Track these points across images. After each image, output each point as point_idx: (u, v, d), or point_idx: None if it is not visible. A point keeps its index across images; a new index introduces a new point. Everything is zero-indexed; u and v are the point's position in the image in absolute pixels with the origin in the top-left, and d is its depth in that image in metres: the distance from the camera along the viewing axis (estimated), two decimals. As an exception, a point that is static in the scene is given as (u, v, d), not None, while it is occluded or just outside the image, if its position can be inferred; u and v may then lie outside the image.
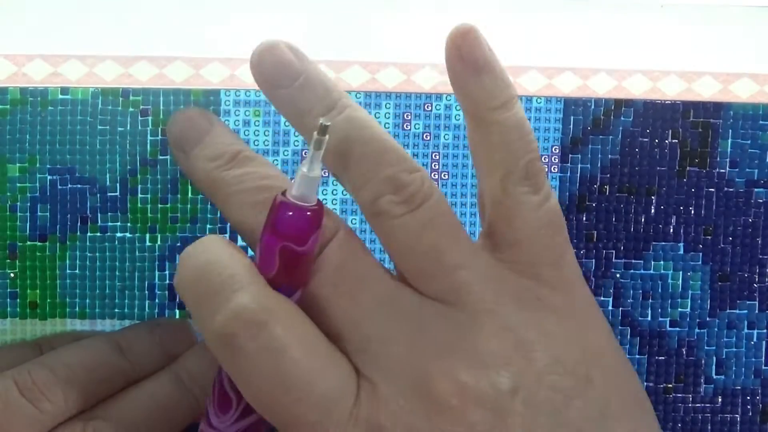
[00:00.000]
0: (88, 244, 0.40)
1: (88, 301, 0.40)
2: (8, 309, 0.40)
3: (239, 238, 0.39)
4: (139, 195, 0.40)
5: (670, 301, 0.42)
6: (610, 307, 0.42)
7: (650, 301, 0.42)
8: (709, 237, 0.42)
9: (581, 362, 0.29)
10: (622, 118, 0.41)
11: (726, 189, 0.42)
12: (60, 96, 0.39)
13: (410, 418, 0.28)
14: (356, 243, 0.31)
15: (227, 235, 0.40)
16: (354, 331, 0.29)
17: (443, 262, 0.30)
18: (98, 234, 0.40)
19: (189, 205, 0.40)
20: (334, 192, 0.41)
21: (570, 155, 0.41)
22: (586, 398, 0.29)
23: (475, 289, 0.30)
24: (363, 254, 0.31)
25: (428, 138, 0.41)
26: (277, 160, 0.40)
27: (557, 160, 0.41)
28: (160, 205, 0.40)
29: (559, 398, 0.28)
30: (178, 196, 0.40)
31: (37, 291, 0.40)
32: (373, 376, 0.29)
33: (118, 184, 0.40)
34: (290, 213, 0.29)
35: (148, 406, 0.35)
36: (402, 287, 0.30)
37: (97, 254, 0.40)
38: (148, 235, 0.40)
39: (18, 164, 0.40)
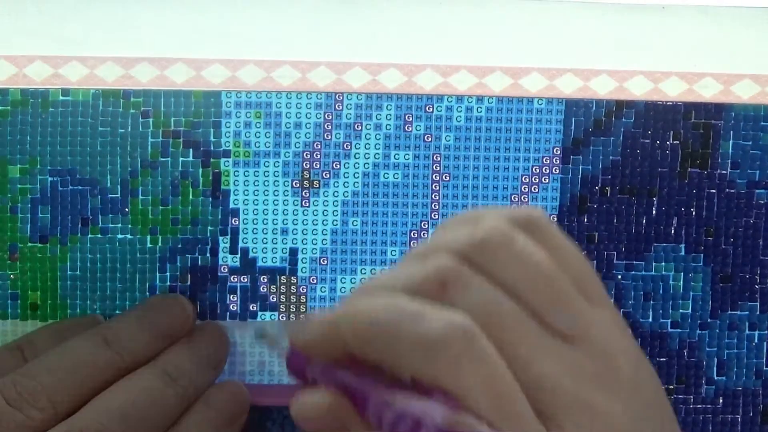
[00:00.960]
0: (88, 245, 0.40)
1: (88, 302, 0.40)
2: (9, 310, 0.40)
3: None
4: (140, 196, 0.40)
5: (671, 303, 0.42)
6: (611, 309, 0.41)
7: (651, 302, 0.42)
8: (711, 238, 0.42)
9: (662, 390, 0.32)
10: (624, 120, 0.41)
11: (727, 190, 0.41)
12: (61, 97, 0.39)
13: None
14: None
15: (228, 237, 0.40)
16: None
17: (566, 291, 0.30)
18: (99, 235, 0.40)
19: (190, 207, 0.40)
20: (336, 193, 0.41)
21: (571, 156, 0.41)
22: None
23: (593, 318, 0.30)
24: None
25: (429, 139, 0.41)
26: (278, 161, 0.40)
27: (558, 162, 0.41)
28: (160, 207, 0.40)
29: (660, 421, 0.31)
30: (179, 197, 0.40)
31: (38, 292, 0.40)
32: (553, 413, 0.29)
33: (118, 186, 0.40)
34: None
35: (136, 402, 0.35)
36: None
37: (98, 255, 0.40)
38: (148, 237, 0.40)
39: (19, 165, 0.39)
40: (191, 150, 0.40)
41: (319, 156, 0.40)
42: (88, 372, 0.36)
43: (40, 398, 0.34)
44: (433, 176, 0.41)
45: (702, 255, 0.42)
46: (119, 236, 0.40)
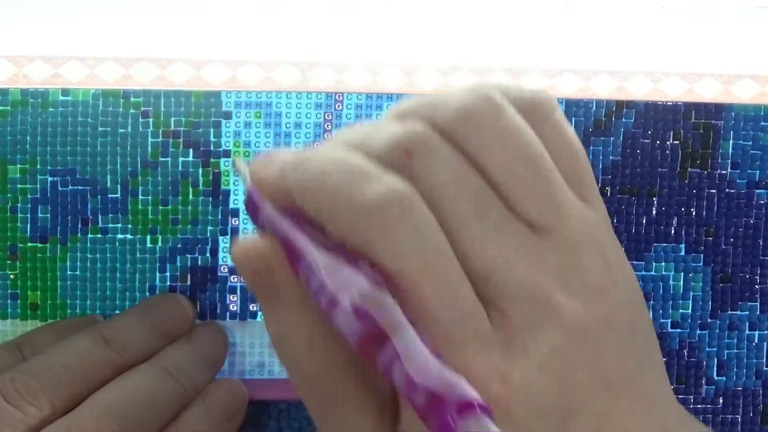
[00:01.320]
0: (88, 245, 0.40)
1: (88, 302, 0.40)
2: (9, 310, 0.40)
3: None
4: (140, 196, 0.40)
5: (671, 303, 0.42)
6: (611, 309, 0.41)
7: (651, 302, 0.42)
8: (711, 238, 0.42)
9: (641, 307, 0.30)
10: (624, 120, 0.41)
11: (727, 190, 0.41)
12: (61, 97, 0.39)
13: (536, 338, 0.27)
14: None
15: (228, 237, 0.40)
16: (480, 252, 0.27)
17: (548, 178, 0.28)
18: (99, 235, 0.40)
19: (190, 207, 0.40)
20: (335, 193, 0.41)
21: (571, 156, 0.41)
22: (647, 336, 0.29)
23: (574, 213, 0.29)
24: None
25: (429, 139, 0.41)
26: (278, 161, 0.40)
27: (558, 162, 0.41)
28: (160, 207, 0.40)
29: (629, 333, 0.28)
30: (179, 197, 0.40)
31: (38, 292, 0.40)
32: (498, 298, 0.27)
33: (118, 186, 0.40)
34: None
35: (134, 399, 0.35)
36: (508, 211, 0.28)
37: (98, 256, 0.40)
38: (148, 237, 0.40)
39: (19, 165, 0.39)
40: (191, 150, 0.40)
41: (319, 156, 0.40)
42: (86, 370, 0.36)
43: (39, 396, 0.34)
44: (433, 176, 0.41)
45: (702, 255, 0.42)
46: (119, 236, 0.40)
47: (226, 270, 0.40)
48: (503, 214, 0.28)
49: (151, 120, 0.40)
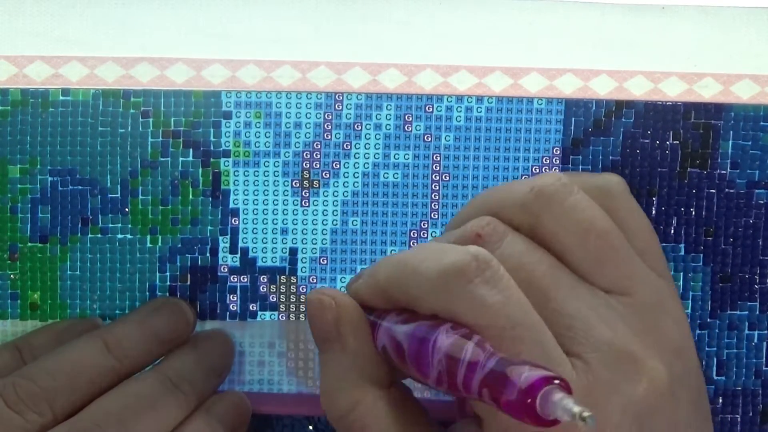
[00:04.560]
0: (88, 245, 0.40)
1: (88, 302, 0.40)
2: (9, 310, 0.40)
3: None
4: (140, 196, 0.40)
5: (671, 303, 0.42)
6: (611, 309, 0.41)
7: (651, 302, 0.42)
8: (710, 238, 0.42)
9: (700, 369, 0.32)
10: (623, 120, 0.41)
11: (727, 190, 0.41)
12: (61, 97, 0.39)
13: (619, 386, 0.29)
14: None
15: (228, 237, 0.40)
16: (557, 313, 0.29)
17: (619, 248, 0.30)
18: (99, 235, 0.40)
19: (190, 207, 0.40)
20: (335, 193, 0.41)
21: (571, 156, 0.41)
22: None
23: (647, 280, 0.30)
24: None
25: (429, 139, 0.41)
26: (278, 161, 0.40)
27: (558, 162, 0.41)
28: (161, 207, 0.40)
29: (698, 392, 0.32)
30: (179, 197, 0.40)
31: (38, 292, 0.40)
32: (582, 351, 0.29)
33: (119, 186, 0.40)
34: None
35: (135, 407, 0.35)
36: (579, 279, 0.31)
37: (98, 256, 0.40)
38: (148, 237, 0.40)
39: (19, 165, 0.39)
40: (191, 150, 0.40)
41: (319, 156, 0.40)
42: (88, 377, 0.35)
43: (40, 402, 0.34)
44: (433, 176, 0.41)
45: (701, 255, 0.42)
46: (119, 236, 0.40)
47: (226, 270, 0.41)
48: (576, 279, 0.30)
49: (151, 120, 0.40)
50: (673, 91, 0.41)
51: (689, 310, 0.42)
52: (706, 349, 0.42)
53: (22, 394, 0.34)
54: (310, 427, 0.41)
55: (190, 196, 0.40)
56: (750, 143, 0.41)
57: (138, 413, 0.35)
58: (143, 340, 0.37)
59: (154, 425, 0.35)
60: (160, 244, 0.40)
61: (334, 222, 0.41)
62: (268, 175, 0.40)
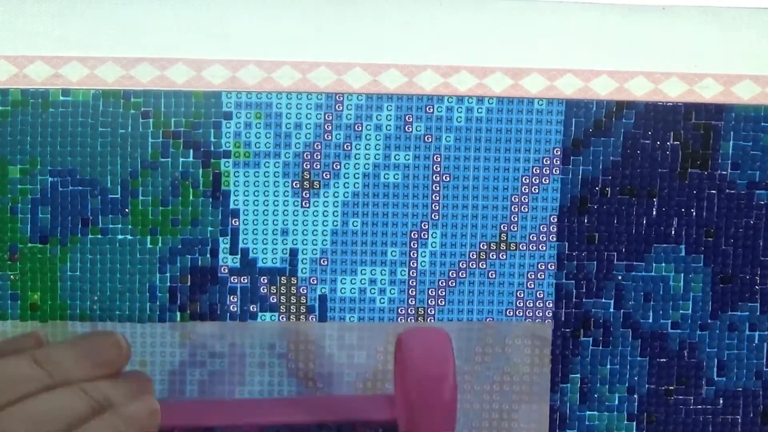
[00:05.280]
0: (89, 246, 0.40)
1: (88, 303, 0.40)
2: (9, 311, 0.40)
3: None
4: (140, 197, 0.40)
5: (671, 303, 0.42)
6: (611, 309, 0.42)
7: (651, 303, 0.42)
8: (711, 239, 0.42)
9: None
10: (624, 120, 0.41)
11: (727, 191, 0.41)
12: (61, 98, 0.39)
13: None
14: None
15: (228, 238, 0.40)
16: None
17: None
18: (99, 236, 0.40)
19: (190, 208, 0.40)
20: (336, 194, 0.41)
21: (571, 157, 0.41)
22: None
23: None
24: None
25: (429, 140, 0.41)
26: (278, 162, 0.40)
27: (558, 162, 0.41)
28: (161, 208, 0.40)
29: None
30: (179, 198, 0.40)
31: (38, 293, 0.40)
32: None
33: (119, 186, 0.40)
34: None
35: (46, 413, 0.35)
36: None
37: (98, 256, 0.40)
38: (148, 237, 0.40)
39: (19, 166, 0.39)
40: (191, 150, 0.40)
41: (319, 157, 0.40)
42: (11, 385, 0.35)
43: None
44: (434, 177, 0.41)
45: (702, 256, 0.42)
46: (119, 237, 0.40)
47: (226, 271, 0.41)
48: None
49: (151, 120, 0.40)
50: (673, 92, 0.41)
51: (690, 311, 0.42)
52: (707, 350, 0.42)
53: None
54: None
55: (191, 197, 0.40)
56: (750, 144, 0.41)
57: (48, 416, 0.34)
58: (71, 356, 0.37)
59: (56, 426, 0.34)
60: (160, 244, 0.40)
61: (335, 223, 0.41)
62: (268, 176, 0.40)
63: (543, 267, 0.41)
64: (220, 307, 0.41)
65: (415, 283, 0.41)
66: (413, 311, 0.41)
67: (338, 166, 0.41)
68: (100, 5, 0.39)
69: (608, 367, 0.42)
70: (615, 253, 0.41)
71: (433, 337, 0.37)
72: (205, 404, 0.40)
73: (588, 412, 0.42)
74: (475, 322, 0.41)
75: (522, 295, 0.41)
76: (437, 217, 0.41)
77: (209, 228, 0.40)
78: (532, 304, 0.41)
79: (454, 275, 0.41)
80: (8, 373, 0.35)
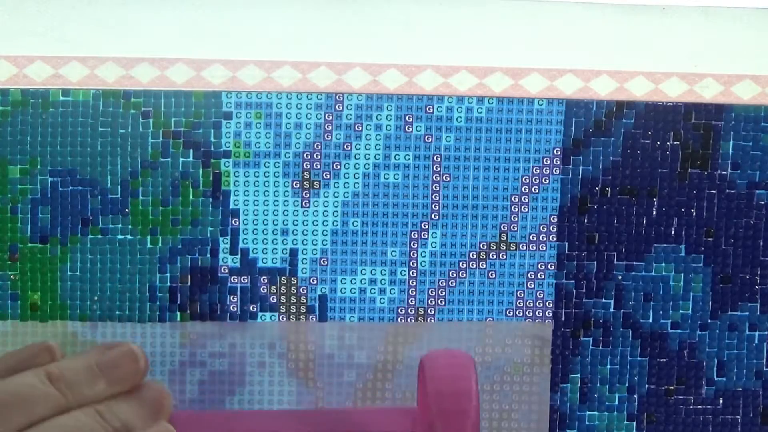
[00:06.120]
0: (89, 246, 0.40)
1: (88, 303, 0.40)
2: (9, 311, 0.40)
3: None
4: (140, 197, 0.40)
5: (671, 303, 0.42)
6: (611, 309, 0.42)
7: (651, 302, 0.42)
8: (711, 239, 0.42)
9: None
10: (624, 120, 0.41)
11: (727, 191, 0.41)
12: (61, 98, 0.39)
13: None
14: None
15: (228, 238, 0.40)
16: None
17: None
18: (99, 236, 0.40)
19: (190, 208, 0.40)
20: (336, 194, 0.41)
21: (571, 157, 0.41)
22: None
23: None
24: None
25: (430, 140, 0.41)
26: (278, 162, 0.40)
27: (558, 162, 0.41)
28: (161, 208, 0.40)
29: None
30: (179, 198, 0.40)
31: (38, 293, 0.40)
32: None
33: (119, 186, 0.40)
34: None
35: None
36: None
37: (98, 256, 0.40)
38: (149, 237, 0.40)
39: (19, 166, 0.39)
40: (191, 150, 0.40)
41: (319, 156, 0.40)
42: (24, 407, 0.34)
43: None
44: (434, 177, 0.41)
45: (702, 256, 0.42)
46: (119, 237, 0.40)
47: (226, 271, 0.41)
48: None
49: (151, 120, 0.40)
50: (673, 92, 0.41)
51: (690, 311, 0.42)
52: (707, 350, 0.42)
53: None
54: None
55: (191, 197, 0.40)
56: (750, 144, 0.41)
57: None
58: (87, 376, 0.36)
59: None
60: (160, 244, 0.40)
61: (335, 223, 0.41)
62: (268, 176, 0.40)
63: (543, 267, 0.41)
64: (220, 307, 0.41)
65: (415, 283, 0.41)
66: (413, 311, 0.41)
67: (338, 166, 0.41)
68: (100, 5, 0.39)
69: (608, 367, 0.42)
70: (615, 253, 0.41)
71: (456, 357, 0.37)
72: (223, 416, 0.39)
73: (588, 412, 0.42)
74: (475, 322, 0.41)
75: (522, 295, 0.41)
76: (437, 217, 0.41)
77: (209, 228, 0.40)
78: (532, 304, 0.41)
79: (454, 275, 0.41)
80: (21, 393, 0.35)
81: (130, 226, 0.40)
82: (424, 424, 0.37)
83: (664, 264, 0.42)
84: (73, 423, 0.34)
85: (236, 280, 0.41)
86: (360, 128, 0.40)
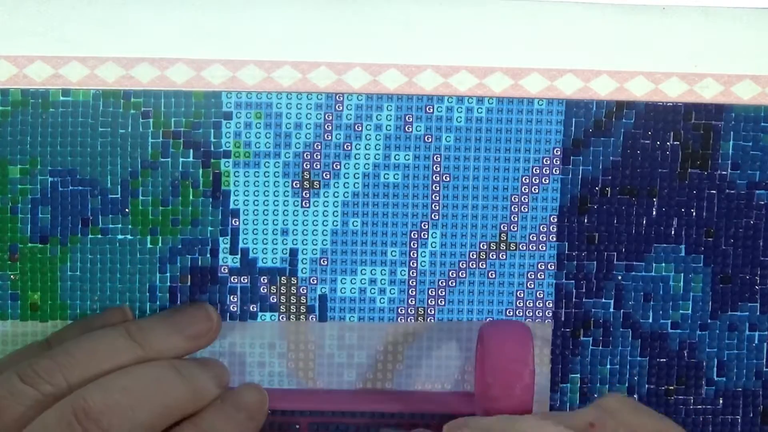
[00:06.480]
0: (89, 246, 0.40)
1: (88, 303, 0.40)
2: (9, 311, 0.40)
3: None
4: (140, 197, 0.40)
5: (671, 303, 0.42)
6: (611, 309, 0.42)
7: (651, 303, 0.42)
8: (711, 239, 0.42)
9: None
10: (624, 120, 0.41)
11: (727, 191, 0.41)
12: (61, 98, 0.39)
13: None
14: None
15: (228, 238, 0.40)
16: None
17: None
18: (99, 236, 0.40)
19: (190, 208, 0.40)
20: (336, 194, 0.41)
21: (571, 157, 0.41)
22: None
23: None
24: None
25: (430, 140, 0.41)
26: (278, 162, 0.40)
27: (558, 162, 0.41)
28: (161, 207, 0.40)
29: None
30: (179, 198, 0.40)
31: (38, 293, 0.40)
32: None
33: (119, 186, 0.40)
34: None
35: (142, 379, 0.35)
36: None
37: (98, 256, 0.40)
38: (149, 237, 0.40)
39: (19, 166, 0.39)
40: (191, 150, 0.40)
41: (319, 156, 0.40)
42: (105, 355, 0.36)
43: (55, 375, 0.35)
44: (434, 177, 0.41)
45: (702, 256, 0.42)
46: (119, 237, 0.40)
47: (226, 271, 0.41)
48: None
49: (151, 120, 0.40)
50: (673, 92, 0.41)
51: (689, 312, 0.42)
52: (707, 350, 0.42)
53: (38, 370, 0.35)
54: (297, 426, 0.41)
55: (191, 197, 0.40)
56: (750, 144, 0.41)
57: (145, 386, 0.35)
58: (163, 329, 0.38)
59: (159, 399, 0.35)
60: (160, 244, 0.40)
61: (335, 223, 0.41)
62: (268, 176, 0.40)
63: (543, 267, 0.41)
64: (220, 307, 0.41)
65: (415, 283, 0.41)
66: (413, 311, 0.41)
67: (338, 166, 0.41)
68: (100, 5, 0.39)
69: (608, 367, 0.42)
70: (615, 253, 0.41)
71: (513, 326, 0.39)
72: (291, 393, 0.41)
73: (588, 412, 0.42)
74: (475, 322, 0.41)
75: (522, 295, 0.41)
76: (437, 217, 0.41)
77: (209, 228, 0.40)
78: (532, 304, 0.41)
79: (454, 275, 0.41)
80: (102, 344, 0.37)
81: (130, 226, 0.40)
82: (480, 394, 0.38)
83: (664, 264, 0.42)
84: (154, 372, 0.36)
85: (236, 280, 0.41)
86: (360, 128, 0.40)
